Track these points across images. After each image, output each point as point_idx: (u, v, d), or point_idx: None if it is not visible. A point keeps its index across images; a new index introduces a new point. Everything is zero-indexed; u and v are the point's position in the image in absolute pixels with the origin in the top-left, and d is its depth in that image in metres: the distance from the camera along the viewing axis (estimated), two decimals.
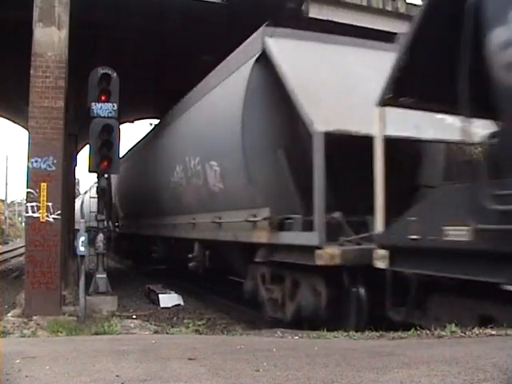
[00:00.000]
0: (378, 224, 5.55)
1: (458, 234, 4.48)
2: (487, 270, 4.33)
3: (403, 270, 5.36)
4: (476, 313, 4.64)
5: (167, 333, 7.06)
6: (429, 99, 4.99)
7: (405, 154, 6.09)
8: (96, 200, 11.58)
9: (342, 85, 6.57)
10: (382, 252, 5.48)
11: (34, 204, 8.55)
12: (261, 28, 7.70)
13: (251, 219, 7.71)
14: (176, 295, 11.66)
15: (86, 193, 36.02)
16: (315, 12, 11.86)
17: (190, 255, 11.01)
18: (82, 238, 8.96)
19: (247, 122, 7.60)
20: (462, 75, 4.34)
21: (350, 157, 6.10)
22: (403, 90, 5.16)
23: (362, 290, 6.10)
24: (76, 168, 16.99)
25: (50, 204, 8.55)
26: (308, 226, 6.50)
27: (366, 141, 5.57)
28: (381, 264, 5.48)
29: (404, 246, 5.17)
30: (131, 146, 19.90)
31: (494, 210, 4.15)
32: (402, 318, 5.42)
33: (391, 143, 5.51)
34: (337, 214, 6.37)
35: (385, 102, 5.30)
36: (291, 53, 7.44)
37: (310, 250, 6.31)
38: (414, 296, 5.37)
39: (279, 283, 7.56)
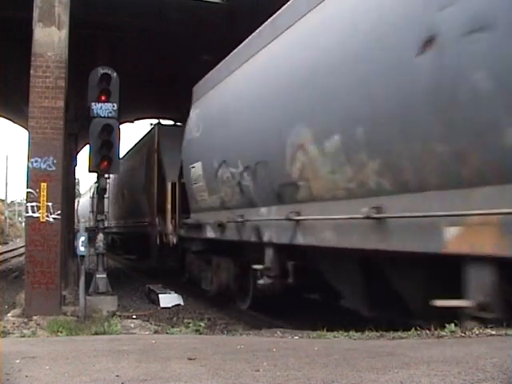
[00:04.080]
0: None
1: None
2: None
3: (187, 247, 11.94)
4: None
5: (167, 333, 7.06)
6: None
7: None
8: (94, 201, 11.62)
9: None
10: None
11: (34, 204, 8.56)
12: (157, 126, 16.81)
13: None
14: (176, 295, 11.68)
15: (81, 196, 36.35)
16: None
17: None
18: (82, 238, 8.96)
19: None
20: None
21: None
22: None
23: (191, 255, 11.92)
24: (76, 168, 17.01)
25: (50, 204, 8.56)
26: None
27: None
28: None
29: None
30: None
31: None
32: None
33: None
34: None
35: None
36: (169, 143, 15.03)
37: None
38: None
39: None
